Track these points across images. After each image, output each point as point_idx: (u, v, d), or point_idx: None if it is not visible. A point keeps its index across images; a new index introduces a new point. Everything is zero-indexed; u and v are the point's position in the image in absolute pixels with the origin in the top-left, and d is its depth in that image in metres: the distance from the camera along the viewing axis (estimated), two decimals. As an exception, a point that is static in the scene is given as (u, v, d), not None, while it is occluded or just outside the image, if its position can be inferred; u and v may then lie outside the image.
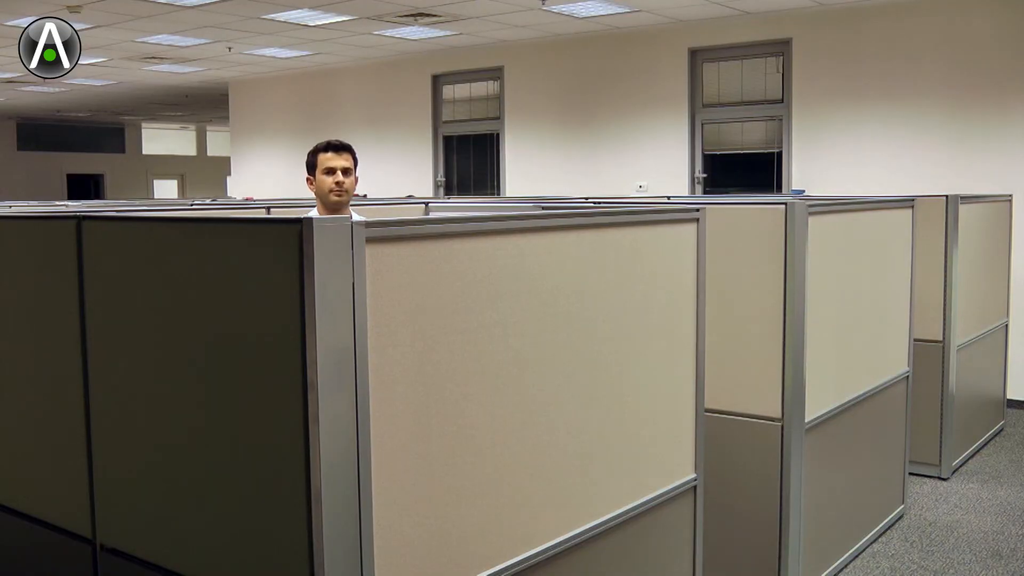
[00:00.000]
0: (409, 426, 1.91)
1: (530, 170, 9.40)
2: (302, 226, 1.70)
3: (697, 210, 2.87)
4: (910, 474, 4.82)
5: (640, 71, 8.59)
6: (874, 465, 4.28)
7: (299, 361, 1.73)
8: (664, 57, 8.41)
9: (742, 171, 8.40)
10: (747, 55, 8.08)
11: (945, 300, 5.16)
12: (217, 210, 5.10)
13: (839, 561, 3.96)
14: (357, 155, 4.02)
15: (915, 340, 4.66)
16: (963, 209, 5.20)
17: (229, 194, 15.92)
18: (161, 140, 20.00)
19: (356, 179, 4.02)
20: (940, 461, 5.24)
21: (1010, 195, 6.25)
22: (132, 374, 2.14)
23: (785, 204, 3.34)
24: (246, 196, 11.58)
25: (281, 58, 10.43)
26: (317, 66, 10.99)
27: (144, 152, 19.79)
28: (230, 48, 9.72)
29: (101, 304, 2.21)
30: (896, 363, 4.43)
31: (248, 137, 12.38)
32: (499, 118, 9.64)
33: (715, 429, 3.32)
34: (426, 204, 4.85)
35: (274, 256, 1.77)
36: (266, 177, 12.15)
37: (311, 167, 3.94)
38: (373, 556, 1.83)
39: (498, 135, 9.69)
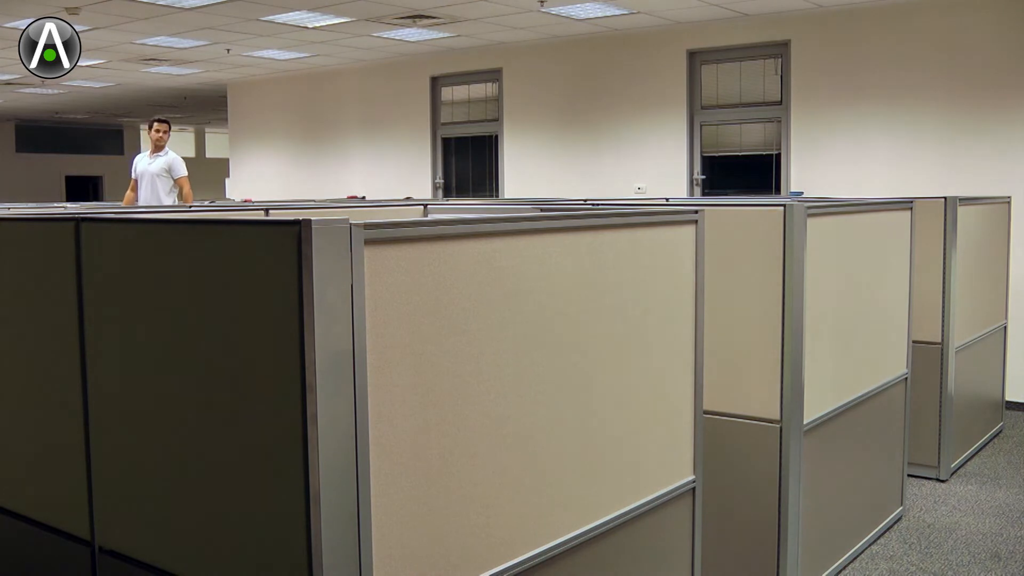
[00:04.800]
0: (408, 428, 1.91)
1: (529, 172, 9.40)
2: (300, 228, 1.70)
3: (695, 212, 2.87)
4: (909, 476, 4.83)
5: (639, 73, 8.59)
6: (873, 467, 4.28)
7: (298, 363, 1.73)
8: (663, 59, 8.42)
9: (741, 173, 8.41)
10: (746, 57, 8.09)
11: (944, 302, 5.16)
12: (215, 212, 5.09)
13: (838, 563, 3.96)
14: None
15: (914, 342, 4.66)
16: (962, 211, 5.20)
17: (228, 196, 15.93)
18: (160, 142, 19.96)
19: None
20: (939, 463, 5.24)
21: (1009, 197, 6.25)
22: (131, 376, 2.14)
23: (784, 206, 3.34)
24: (245, 198, 11.58)
25: (280, 60, 10.43)
26: (316, 68, 10.99)
27: (143, 154, 19.77)
28: (228, 50, 9.72)
29: (99, 306, 2.21)
30: (895, 365, 4.43)
31: (247, 139, 12.38)
32: (498, 120, 9.64)
33: (714, 431, 3.32)
34: (425, 206, 4.84)
35: (273, 258, 1.77)
36: (265, 179, 12.15)
37: None
38: (372, 558, 1.83)
39: (497, 137, 9.69)
